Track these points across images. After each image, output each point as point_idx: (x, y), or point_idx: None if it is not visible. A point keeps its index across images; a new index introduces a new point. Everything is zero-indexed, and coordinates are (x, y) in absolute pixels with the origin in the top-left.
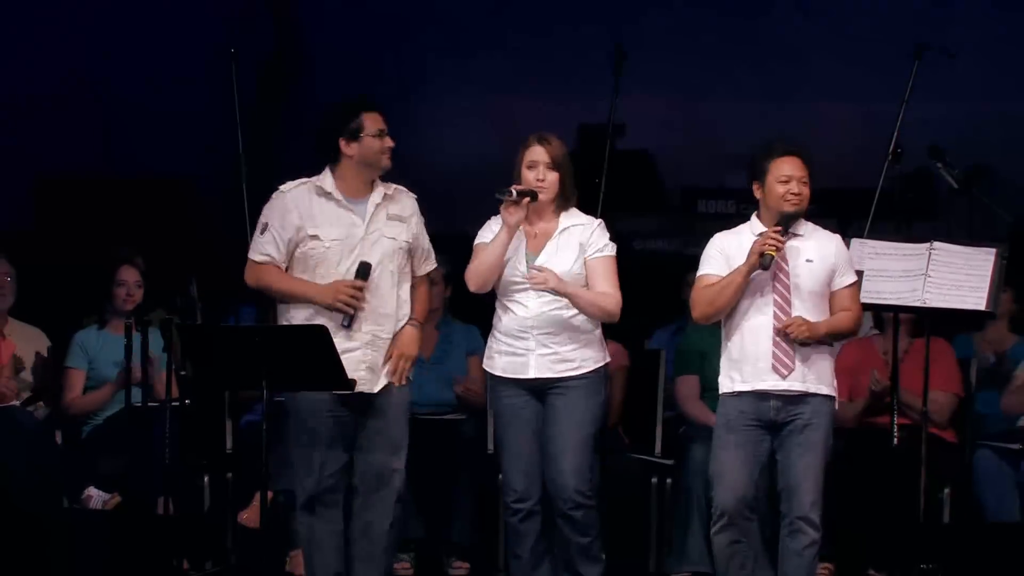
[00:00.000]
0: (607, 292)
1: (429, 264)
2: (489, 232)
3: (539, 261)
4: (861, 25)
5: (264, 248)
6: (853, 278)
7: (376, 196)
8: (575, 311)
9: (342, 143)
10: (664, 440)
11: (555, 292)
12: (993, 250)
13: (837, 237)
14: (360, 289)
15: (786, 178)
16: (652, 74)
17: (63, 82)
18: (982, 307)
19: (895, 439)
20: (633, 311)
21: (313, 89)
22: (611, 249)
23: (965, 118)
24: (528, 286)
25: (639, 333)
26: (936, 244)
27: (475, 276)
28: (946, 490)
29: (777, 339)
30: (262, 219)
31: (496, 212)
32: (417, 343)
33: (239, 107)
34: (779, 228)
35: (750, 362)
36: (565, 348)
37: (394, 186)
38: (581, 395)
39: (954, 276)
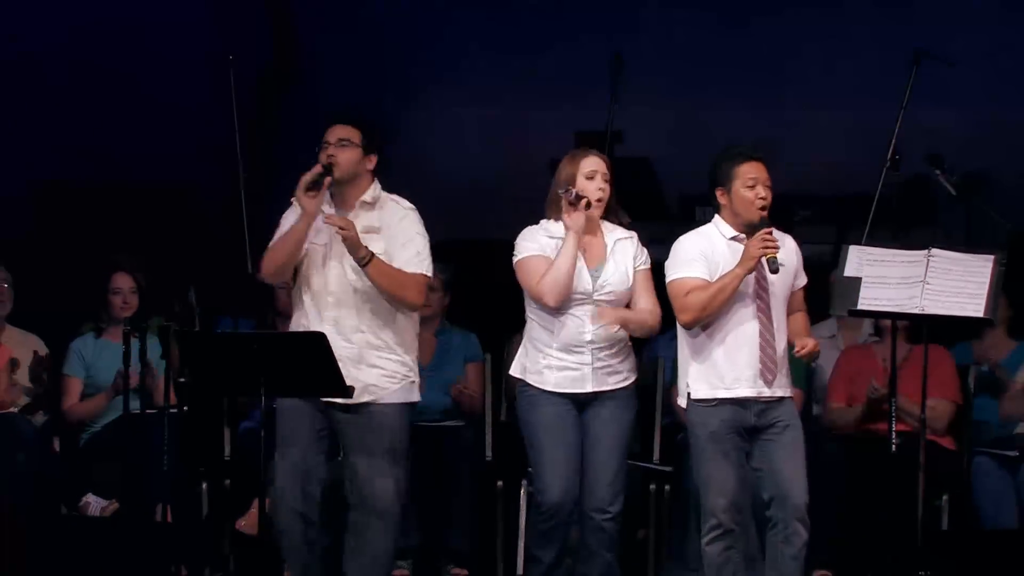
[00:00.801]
0: (651, 309)
1: (416, 267)
2: (533, 243)
3: (603, 278)
4: (859, 32)
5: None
6: (805, 278)
7: (356, 210)
8: None
9: None
10: (662, 447)
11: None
12: (991, 256)
13: (789, 236)
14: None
15: (752, 182)
16: (649, 81)
17: (61, 88)
18: (980, 314)
19: (893, 446)
20: None
21: (312, 98)
22: (649, 261)
23: (964, 125)
24: (587, 300)
25: (637, 340)
26: (934, 251)
27: (555, 289)
28: (944, 497)
29: (763, 345)
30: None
31: (507, 219)
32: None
33: (238, 114)
34: (769, 230)
35: (735, 370)
36: (615, 360)
37: (384, 197)
38: (621, 407)
39: (952, 283)
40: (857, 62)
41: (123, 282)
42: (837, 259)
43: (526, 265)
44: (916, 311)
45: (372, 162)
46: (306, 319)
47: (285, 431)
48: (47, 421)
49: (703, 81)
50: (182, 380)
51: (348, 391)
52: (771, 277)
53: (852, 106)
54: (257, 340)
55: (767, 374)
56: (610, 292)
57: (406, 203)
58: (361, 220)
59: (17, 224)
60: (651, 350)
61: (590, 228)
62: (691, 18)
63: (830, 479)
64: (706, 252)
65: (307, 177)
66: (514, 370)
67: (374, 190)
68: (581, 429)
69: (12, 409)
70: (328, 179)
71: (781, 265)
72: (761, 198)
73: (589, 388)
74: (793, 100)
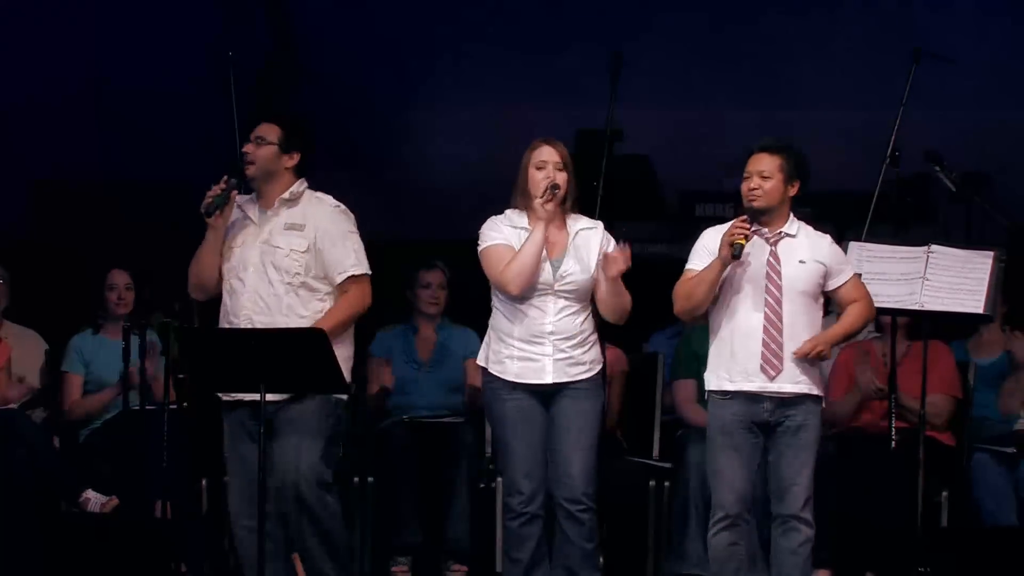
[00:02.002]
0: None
1: (342, 274)
2: (497, 232)
3: (563, 268)
4: (858, 31)
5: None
6: (851, 272)
7: (276, 207)
8: (586, 315)
9: None
10: (662, 443)
11: (613, 280)
12: (991, 253)
13: (828, 237)
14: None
15: (747, 174)
16: (649, 81)
17: (60, 87)
18: (980, 310)
19: (893, 442)
20: (631, 315)
21: (311, 96)
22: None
23: (963, 124)
24: (549, 291)
25: (637, 337)
26: (934, 247)
27: (520, 278)
28: (944, 493)
29: (766, 339)
30: None
31: (493, 212)
32: None
33: (236, 112)
34: (745, 217)
35: (740, 362)
36: (578, 352)
37: (307, 193)
38: (587, 397)
39: (952, 279)
40: (857, 62)
41: (119, 279)
42: None
43: (490, 254)
44: (916, 307)
45: (293, 159)
46: (227, 323)
47: (229, 451)
48: (46, 418)
49: (703, 81)
50: (181, 376)
51: (347, 387)
52: (791, 273)
53: (852, 106)
54: (256, 336)
55: (769, 369)
56: (571, 282)
57: (331, 200)
58: (283, 217)
59: (17, 224)
60: (649, 347)
61: (551, 219)
62: (691, 18)
63: (829, 476)
64: (713, 244)
65: (213, 193)
66: (480, 359)
67: (297, 186)
68: (547, 422)
69: (12, 405)
70: (234, 192)
71: (800, 262)
72: (751, 189)
73: (549, 380)
74: (793, 100)
